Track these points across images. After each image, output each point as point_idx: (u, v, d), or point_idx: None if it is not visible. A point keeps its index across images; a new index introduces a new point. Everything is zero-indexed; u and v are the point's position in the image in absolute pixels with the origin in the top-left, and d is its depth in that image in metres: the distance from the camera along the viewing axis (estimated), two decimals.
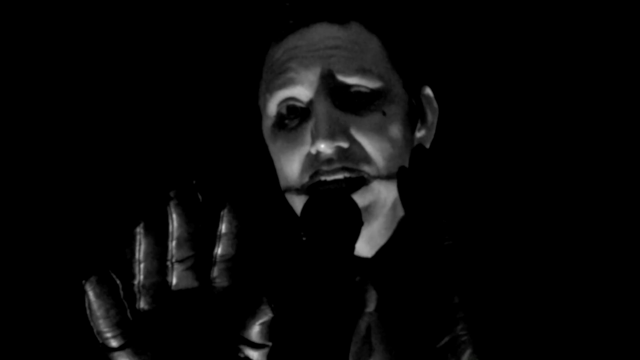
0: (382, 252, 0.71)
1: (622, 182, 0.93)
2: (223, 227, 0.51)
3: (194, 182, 0.51)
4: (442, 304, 0.66)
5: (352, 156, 0.64)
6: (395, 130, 0.66)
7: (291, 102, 0.66)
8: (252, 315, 0.55)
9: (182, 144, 1.03)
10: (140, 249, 0.49)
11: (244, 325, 0.54)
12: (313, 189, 0.65)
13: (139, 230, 0.49)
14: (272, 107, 0.68)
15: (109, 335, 0.49)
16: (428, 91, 0.74)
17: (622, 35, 0.97)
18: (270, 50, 0.69)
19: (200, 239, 0.51)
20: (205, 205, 0.51)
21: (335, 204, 0.60)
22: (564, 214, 0.89)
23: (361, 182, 0.65)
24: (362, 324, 0.70)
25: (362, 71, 0.65)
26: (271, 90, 0.67)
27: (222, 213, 0.51)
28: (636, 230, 0.87)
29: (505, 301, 0.66)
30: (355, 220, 0.59)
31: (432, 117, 0.74)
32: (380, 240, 0.72)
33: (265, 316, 0.54)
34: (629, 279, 0.77)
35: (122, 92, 1.04)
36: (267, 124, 0.70)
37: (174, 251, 0.50)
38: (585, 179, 0.94)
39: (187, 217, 0.50)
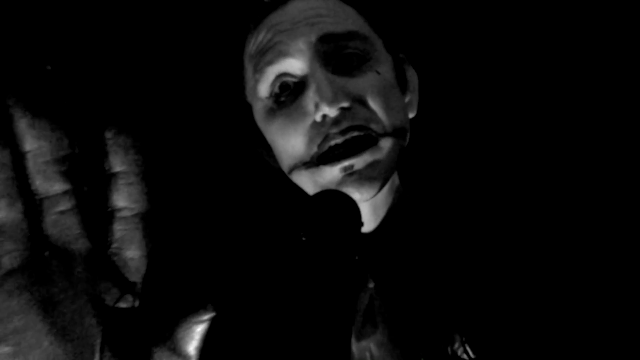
0: (382, 227, 0.71)
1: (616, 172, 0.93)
2: (112, 161, 0.36)
3: (48, 67, 0.35)
4: (441, 283, 0.66)
5: (357, 115, 0.64)
6: (392, 88, 0.67)
7: (284, 79, 0.66)
8: (185, 314, 0.42)
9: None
10: None
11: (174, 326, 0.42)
12: (324, 157, 0.64)
13: None
14: (265, 87, 0.67)
15: None
16: (403, 56, 0.75)
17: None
18: (251, 35, 0.69)
19: (76, 169, 0.36)
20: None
21: (335, 204, 0.58)
22: (557, 189, 0.87)
23: (370, 140, 0.64)
24: (364, 301, 0.68)
25: (350, 33, 0.66)
26: (261, 69, 0.66)
27: (106, 135, 0.36)
28: (632, 229, 0.84)
29: (499, 289, 0.66)
30: (355, 220, 0.58)
31: (413, 82, 0.75)
32: (382, 213, 0.70)
33: (205, 316, 0.42)
34: (621, 279, 0.77)
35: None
36: (260, 107, 0.68)
37: (33, 177, 0.35)
38: (583, 156, 0.93)
39: (38, 121, 0.33)
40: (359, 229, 0.57)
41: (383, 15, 0.71)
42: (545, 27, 0.96)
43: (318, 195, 0.58)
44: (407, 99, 0.73)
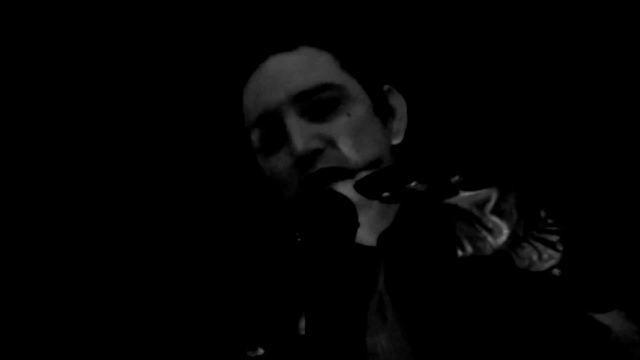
0: (385, 237, 0.75)
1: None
2: None
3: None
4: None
5: (330, 157, 0.72)
6: (364, 126, 0.74)
7: (267, 134, 0.76)
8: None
9: None
10: None
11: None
12: (304, 187, 0.71)
13: None
14: (255, 140, 0.77)
15: None
16: (388, 87, 0.81)
17: None
18: (245, 87, 0.78)
19: None
20: None
21: (329, 203, 0.59)
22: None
23: (346, 173, 0.70)
24: (374, 301, 0.74)
25: (321, 85, 0.73)
26: (250, 126, 0.77)
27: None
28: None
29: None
30: (350, 218, 0.59)
31: (400, 109, 0.81)
32: (381, 227, 0.76)
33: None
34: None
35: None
36: (255, 140, 0.78)
37: None
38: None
39: None
40: (355, 227, 0.59)
41: (358, 56, 0.78)
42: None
43: (312, 195, 0.60)
44: (393, 127, 0.79)
